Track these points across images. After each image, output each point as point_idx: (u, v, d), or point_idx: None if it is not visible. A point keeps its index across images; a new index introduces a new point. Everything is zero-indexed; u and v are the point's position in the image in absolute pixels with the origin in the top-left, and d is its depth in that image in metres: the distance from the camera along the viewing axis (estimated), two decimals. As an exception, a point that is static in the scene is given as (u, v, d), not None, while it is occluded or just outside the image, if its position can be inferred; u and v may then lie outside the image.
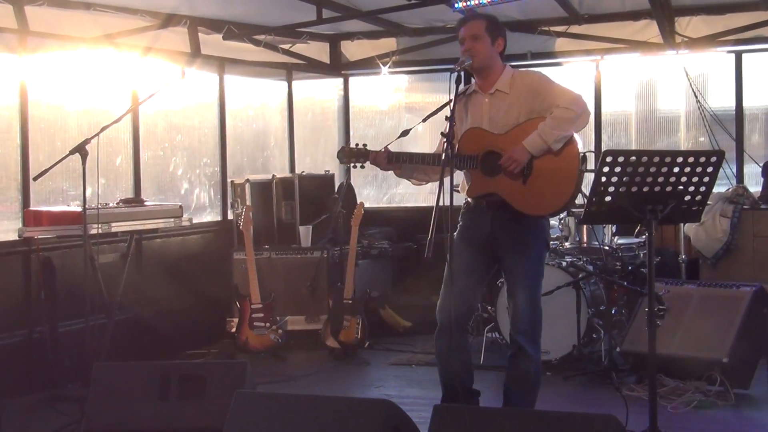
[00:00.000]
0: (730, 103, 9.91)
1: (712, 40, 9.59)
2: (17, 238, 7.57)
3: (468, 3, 8.00)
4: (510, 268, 5.72)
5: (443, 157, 5.26)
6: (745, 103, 9.88)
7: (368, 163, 5.76)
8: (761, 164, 9.66)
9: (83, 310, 6.99)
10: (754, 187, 9.52)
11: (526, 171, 5.46)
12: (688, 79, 9.94)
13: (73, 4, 7.90)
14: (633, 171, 4.90)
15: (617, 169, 4.90)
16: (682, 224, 8.67)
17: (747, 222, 9.05)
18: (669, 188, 4.97)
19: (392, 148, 5.70)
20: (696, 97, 9.91)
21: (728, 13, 9.40)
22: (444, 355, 5.75)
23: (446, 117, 5.39)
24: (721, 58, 9.95)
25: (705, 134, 9.90)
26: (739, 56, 9.82)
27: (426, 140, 9.44)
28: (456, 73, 5.38)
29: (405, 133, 5.85)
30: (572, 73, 10.38)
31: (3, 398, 6.68)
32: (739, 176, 9.71)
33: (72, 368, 7.19)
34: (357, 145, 5.80)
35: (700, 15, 9.51)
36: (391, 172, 5.87)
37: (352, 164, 5.84)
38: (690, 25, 9.64)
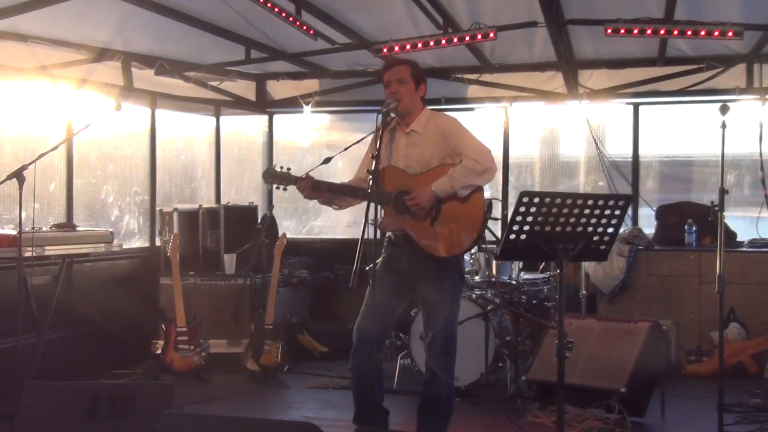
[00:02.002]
0: (627, 151, 10.11)
1: (612, 92, 9.80)
2: None
3: (389, 49, 8.02)
4: (426, 299, 5.73)
5: (369, 190, 5.31)
6: (641, 152, 10.09)
7: (292, 188, 5.72)
8: (654, 208, 9.86)
9: (15, 330, 6.86)
10: (648, 230, 9.72)
11: (434, 213, 5.54)
12: (589, 128, 10.12)
13: (10, 36, 7.77)
14: (547, 211, 4.93)
15: (533, 209, 4.91)
16: (582, 262, 8.77)
17: (641, 261, 9.23)
18: (580, 228, 5.01)
19: (314, 175, 5.71)
20: (596, 144, 10.09)
21: (627, 68, 9.64)
22: (358, 371, 5.73)
23: (372, 155, 5.41)
24: (619, 109, 10.15)
25: (604, 179, 10.07)
26: (636, 108, 10.06)
27: (345, 171, 9.44)
28: (381, 114, 5.51)
29: (327, 160, 5.83)
30: (483, 118, 10.50)
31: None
32: (635, 219, 9.90)
33: (2, 386, 6.99)
34: (282, 168, 5.77)
35: (601, 69, 9.74)
36: (311, 205, 5.90)
37: (275, 186, 5.80)
38: (592, 78, 9.84)
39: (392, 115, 5.67)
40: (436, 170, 5.58)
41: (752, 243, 9.32)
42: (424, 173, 5.61)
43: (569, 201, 4.96)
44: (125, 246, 9.32)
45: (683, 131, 10.22)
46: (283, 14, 7.22)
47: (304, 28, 7.55)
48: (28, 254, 7.02)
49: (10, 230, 7.50)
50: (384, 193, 5.55)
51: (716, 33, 7.33)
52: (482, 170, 5.50)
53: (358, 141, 5.97)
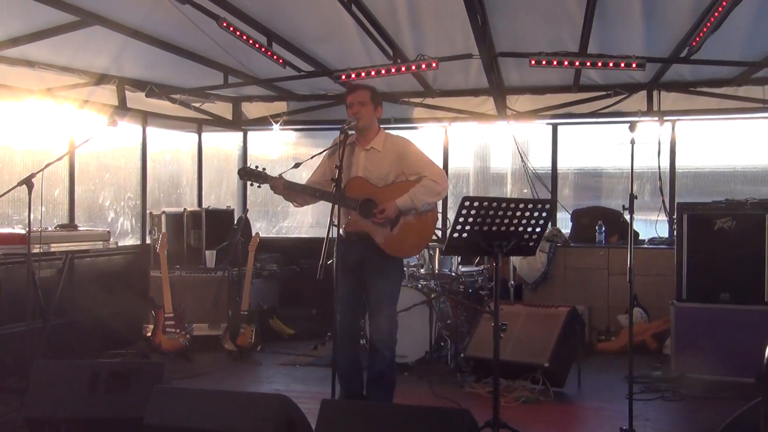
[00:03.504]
0: (547, 164, 10.16)
1: (535, 113, 9.86)
2: None
3: (346, 76, 8.01)
4: (374, 289, 5.72)
5: (334, 194, 5.35)
6: (559, 164, 10.14)
7: (264, 193, 5.71)
8: (570, 212, 9.93)
9: (24, 316, 6.82)
10: (565, 230, 9.78)
11: (394, 222, 5.59)
12: (515, 144, 10.16)
13: (20, 62, 7.69)
14: (485, 213, 4.94)
15: (473, 212, 4.92)
16: (512, 256, 8.79)
17: (560, 256, 9.28)
18: (512, 228, 5.02)
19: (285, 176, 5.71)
20: (521, 157, 10.13)
21: (547, 94, 9.71)
22: (343, 369, 5.71)
23: (336, 166, 5.40)
24: (541, 128, 10.17)
25: (528, 187, 10.11)
26: (555, 127, 10.09)
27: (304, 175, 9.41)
28: (345, 130, 5.52)
29: (297, 165, 5.85)
30: (426, 136, 10.46)
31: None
32: (554, 221, 9.94)
33: (13, 365, 6.87)
34: (257, 167, 5.73)
35: (526, 94, 9.79)
36: (280, 208, 5.88)
37: (249, 183, 5.77)
38: (518, 102, 9.89)
39: (351, 132, 5.66)
40: (399, 185, 5.65)
41: (652, 241, 9.40)
42: (387, 186, 5.66)
43: (504, 205, 4.98)
44: (120, 243, 9.38)
45: (594, 147, 10.29)
46: (257, 45, 7.19)
47: (275, 57, 7.53)
48: (35, 251, 7.11)
49: (20, 230, 7.58)
50: (351, 199, 5.59)
51: (622, 65, 7.38)
52: (440, 190, 5.65)
53: (321, 152, 5.95)
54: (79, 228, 8.54)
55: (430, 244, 8.02)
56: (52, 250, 7.96)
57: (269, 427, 4.80)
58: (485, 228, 4.97)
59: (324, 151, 5.93)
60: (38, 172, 6.22)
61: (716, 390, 6.99)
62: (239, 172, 5.76)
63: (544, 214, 5.04)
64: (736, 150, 9.75)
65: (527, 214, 4.99)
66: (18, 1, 6.15)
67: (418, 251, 5.96)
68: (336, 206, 5.38)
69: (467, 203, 4.87)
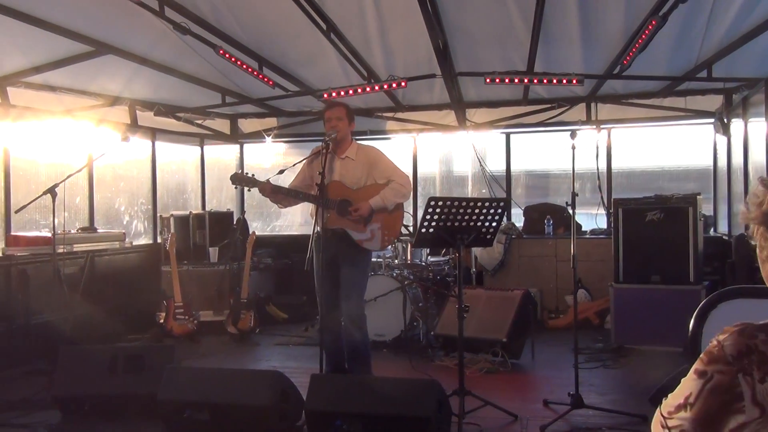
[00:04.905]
0: (502, 167, 10.17)
1: (491, 124, 9.87)
2: (0, 255, 7.41)
3: (328, 95, 7.99)
4: (345, 277, 5.69)
5: (316, 196, 5.39)
6: (512, 168, 10.15)
7: (258, 198, 5.69)
8: (522, 208, 9.96)
9: (51, 308, 6.91)
10: (519, 224, 9.81)
11: (368, 219, 5.62)
12: (474, 150, 10.17)
13: (44, 87, 7.65)
14: (449, 211, 4.96)
15: (438, 210, 4.94)
16: (473, 248, 8.81)
17: (515, 247, 9.32)
18: (472, 223, 5.04)
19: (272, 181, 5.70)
20: (480, 162, 10.14)
21: (501, 107, 9.73)
22: (328, 348, 5.66)
23: (319, 172, 5.41)
24: (496, 137, 10.17)
25: (486, 187, 10.12)
26: (508, 136, 10.12)
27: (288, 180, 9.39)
28: (326, 142, 5.51)
29: (281, 171, 5.83)
30: (397, 145, 10.44)
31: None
32: (509, 216, 9.96)
33: (41, 350, 6.85)
34: (247, 173, 5.71)
35: (482, 108, 9.81)
36: (273, 210, 5.89)
37: (241, 187, 5.73)
38: (476, 114, 9.91)
39: (329, 143, 5.65)
40: (370, 188, 5.68)
41: (593, 232, 9.44)
42: (360, 188, 5.67)
43: (465, 203, 5.00)
44: (134, 243, 9.34)
45: (541, 153, 10.31)
46: (249, 69, 7.17)
47: (265, 80, 7.51)
48: (60, 251, 7.08)
49: (46, 233, 7.54)
50: (329, 200, 5.59)
51: (564, 81, 7.41)
52: (406, 192, 5.70)
53: (301, 161, 5.94)
54: (98, 230, 8.53)
55: (401, 238, 8.04)
56: (75, 249, 7.96)
57: (266, 398, 4.82)
58: (449, 224, 4.99)
59: (302, 160, 5.93)
60: (60, 183, 6.20)
61: (650, 358, 7.08)
62: (231, 178, 5.73)
63: (499, 211, 5.07)
64: (664, 152, 9.82)
65: (484, 211, 5.01)
66: (40, 34, 6.11)
67: (389, 244, 5.95)
68: (317, 206, 5.40)
69: (432, 203, 4.89)
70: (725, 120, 8.77)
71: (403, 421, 4.43)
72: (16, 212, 7.01)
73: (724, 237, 8.65)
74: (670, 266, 7.45)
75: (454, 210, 4.95)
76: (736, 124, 8.55)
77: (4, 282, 7.30)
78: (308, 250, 5.16)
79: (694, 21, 6.30)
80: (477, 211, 5.00)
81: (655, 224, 7.56)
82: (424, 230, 5.01)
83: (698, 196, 7.63)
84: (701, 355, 1.57)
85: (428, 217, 4.96)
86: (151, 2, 5.68)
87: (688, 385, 1.56)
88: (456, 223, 5.01)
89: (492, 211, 5.03)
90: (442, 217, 4.96)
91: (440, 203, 4.91)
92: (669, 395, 1.63)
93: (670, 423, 1.58)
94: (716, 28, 6.45)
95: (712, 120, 9.04)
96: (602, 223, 9.49)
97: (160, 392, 5.00)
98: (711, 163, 9.48)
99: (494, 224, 5.10)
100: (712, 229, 9.12)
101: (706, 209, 8.82)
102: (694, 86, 8.63)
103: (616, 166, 9.73)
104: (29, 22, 5.88)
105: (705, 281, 7.51)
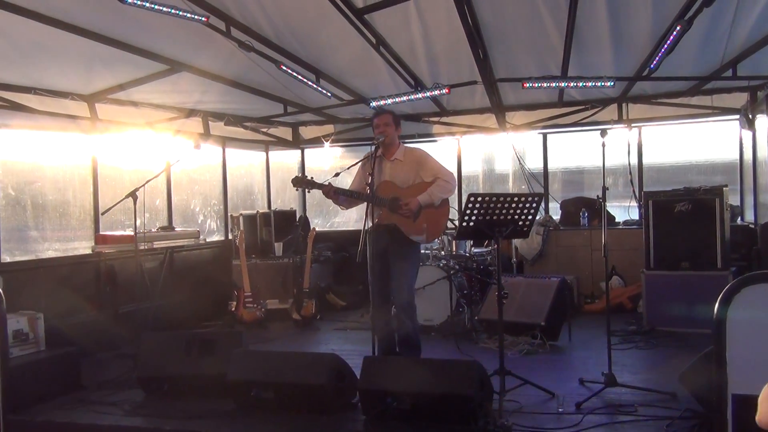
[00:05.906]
0: (540, 165, 10.01)
1: (529, 125, 9.71)
2: (91, 252, 7.56)
3: (379, 102, 7.96)
4: (397, 269, 5.60)
5: (369, 194, 5.38)
6: (549, 165, 9.99)
7: (316, 191, 5.61)
8: (559, 202, 9.80)
9: (135, 298, 6.96)
10: (556, 216, 9.66)
11: (417, 214, 5.52)
12: (514, 150, 10.03)
13: (126, 102, 7.75)
14: (487, 206, 4.89)
15: (477, 205, 4.88)
16: (512, 239, 8.69)
17: (552, 238, 9.19)
18: (509, 216, 4.97)
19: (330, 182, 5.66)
20: (519, 161, 10.00)
21: (538, 109, 9.55)
22: (380, 333, 5.62)
23: (369, 173, 5.41)
24: (534, 137, 10.01)
25: (525, 184, 9.98)
26: (545, 136, 9.94)
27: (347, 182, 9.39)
28: (375, 146, 5.53)
29: (337, 174, 5.76)
30: (443, 147, 10.35)
31: (85, 356, 6.45)
32: (546, 209, 9.82)
33: (128, 336, 6.97)
34: (307, 176, 5.70)
35: (521, 110, 9.65)
36: (332, 208, 5.85)
37: (302, 188, 5.71)
38: (515, 116, 9.75)
39: (379, 147, 5.61)
40: (418, 186, 5.58)
41: (626, 222, 9.25)
42: (408, 187, 5.59)
43: (501, 198, 4.93)
44: (208, 240, 9.46)
45: (577, 151, 10.13)
46: (308, 82, 7.18)
47: (323, 90, 7.50)
48: (142, 248, 7.21)
49: (130, 232, 7.62)
50: (381, 199, 5.54)
51: (597, 83, 7.27)
52: (451, 188, 5.56)
53: (355, 164, 5.91)
54: (175, 229, 8.62)
55: (447, 231, 7.97)
56: (155, 246, 8.09)
57: (324, 378, 4.82)
58: (487, 218, 4.93)
59: (356, 163, 5.89)
60: (141, 187, 6.30)
61: (679, 340, 6.90)
62: (292, 182, 5.71)
63: (534, 205, 4.99)
64: (692, 148, 9.55)
65: (520, 205, 4.94)
66: (123, 55, 6.20)
67: (437, 237, 5.86)
68: (370, 204, 5.37)
69: (472, 198, 4.84)
70: (750, 116, 8.46)
71: (447, 398, 4.38)
72: (103, 214, 7.19)
73: (751, 225, 8.37)
74: (698, 253, 7.26)
75: (492, 205, 4.88)
76: (761, 120, 8.24)
77: (93, 276, 7.47)
78: (359, 243, 5.12)
79: (718, 23, 6.08)
80: (513, 205, 4.92)
81: (684, 214, 7.36)
82: (464, 224, 4.95)
83: (725, 188, 7.42)
84: None
85: (468, 211, 4.90)
86: (219, 24, 5.73)
87: None
88: (494, 217, 4.93)
89: (527, 205, 4.94)
90: (481, 211, 4.89)
91: (479, 199, 4.85)
92: None
93: None
94: (740, 28, 6.22)
95: (738, 116, 8.74)
96: (634, 215, 9.26)
97: (230, 373, 5.04)
98: (737, 156, 9.16)
99: (530, 217, 5.01)
100: (739, 219, 8.82)
101: (733, 200, 8.55)
102: (720, 85, 8.35)
103: (646, 161, 9.48)
104: (116, 45, 5.98)
105: (732, 267, 7.27)
